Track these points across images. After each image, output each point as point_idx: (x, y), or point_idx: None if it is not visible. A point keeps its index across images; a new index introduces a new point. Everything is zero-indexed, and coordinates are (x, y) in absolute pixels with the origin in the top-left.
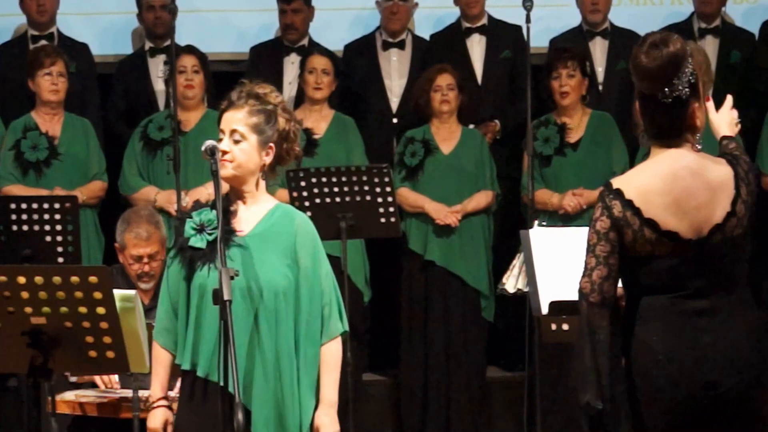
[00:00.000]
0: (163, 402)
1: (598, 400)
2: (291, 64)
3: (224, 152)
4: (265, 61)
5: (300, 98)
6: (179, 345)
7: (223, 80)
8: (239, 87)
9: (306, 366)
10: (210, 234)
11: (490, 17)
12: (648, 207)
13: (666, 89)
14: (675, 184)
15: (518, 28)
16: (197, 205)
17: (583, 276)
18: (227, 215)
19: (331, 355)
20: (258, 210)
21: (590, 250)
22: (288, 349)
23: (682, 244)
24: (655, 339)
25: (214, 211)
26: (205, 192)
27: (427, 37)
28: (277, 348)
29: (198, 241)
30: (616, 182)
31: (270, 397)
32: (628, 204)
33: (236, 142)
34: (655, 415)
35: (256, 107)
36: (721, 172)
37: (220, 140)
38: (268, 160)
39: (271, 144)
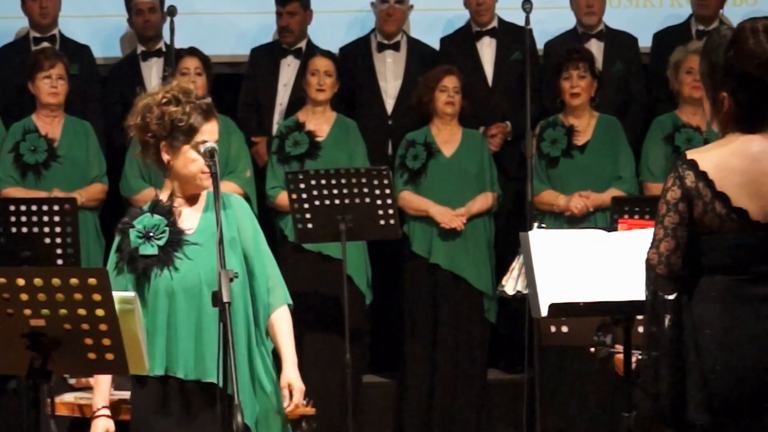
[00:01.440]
0: (106, 411)
1: (703, 412)
2: (287, 66)
3: (207, 169)
4: (263, 63)
5: (298, 100)
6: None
7: (222, 82)
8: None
9: (263, 336)
10: (159, 238)
11: (500, 20)
12: (722, 182)
13: None
14: (753, 165)
15: (528, 30)
16: (134, 213)
17: (651, 247)
18: (171, 216)
19: (284, 318)
20: (196, 203)
21: (659, 220)
22: (250, 329)
23: (750, 224)
24: (716, 320)
25: (156, 216)
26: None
27: (425, 39)
28: (245, 332)
29: (148, 249)
30: (691, 153)
31: (247, 381)
32: (702, 175)
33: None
34: (709, 396)
35: (216, 118)
36: None
37: (197, 152)
38: None
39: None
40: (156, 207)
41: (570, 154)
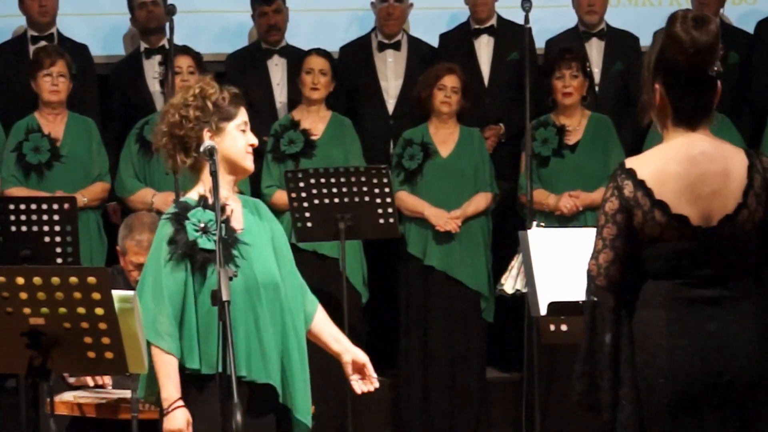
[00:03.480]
0: (181, 402)
1: (608, 410)
2: (275, 66)
3: (254, 145)
4: (247, 68)
5: (292, 99)
6: (191, 349)
7: (220, 80)
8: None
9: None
10: (215, 233)
11: (499, 18)
12: (661, 189)
13: (715, 62)
14: (691, 168)
15: (527, 29)
16: (184, 205)
17: (591, 258)
18: (224, 213)
19: (324, 313)
20: (236, 204)
21: (598, 232)
22: (302, 330)
23: (691, 230)
24: (660, 324)
25: (208, 211)
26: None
27: (426, 37)
28: (297, 334)
29: (206, 243)
30: (630, 162)
31: (305, 386)
32: (640, 184)
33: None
34: (655, 400)
35: None
36: (737, 160)
37: (243, 131)
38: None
39: None
40: (205, 203)
41: (561, 154)
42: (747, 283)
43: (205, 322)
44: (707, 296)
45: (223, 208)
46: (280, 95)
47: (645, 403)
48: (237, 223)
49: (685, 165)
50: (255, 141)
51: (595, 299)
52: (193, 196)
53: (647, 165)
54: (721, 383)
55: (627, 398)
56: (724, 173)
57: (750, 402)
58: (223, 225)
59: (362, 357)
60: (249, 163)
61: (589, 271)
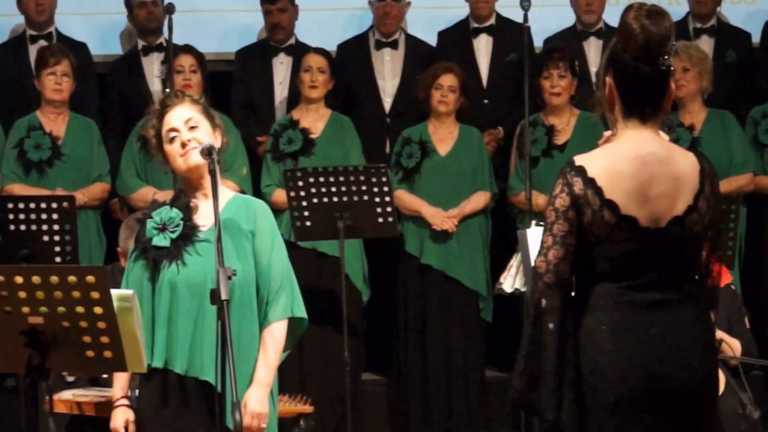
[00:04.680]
0: (124, 401)
1: (552, 410)
2: (280, 65)
3: (186, 143)
4: (253, 64)
5: (292, 98)
6: (145, 344)
7: (221, 80)
8: (171, 92)
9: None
10: (173, 231)
11: (498, 17)
12: (611, 188)
13: (665, 56)
14: (641, 168)
15: (526, 28)
16: (155, 205)
17: (539, 255)
18: (188, 211)
19: (271, 337)
20: (209, 202)
21: (547, 228)
22: (253, 332)
23: (638, 231)
24: (603, 329)
25: (175, 209)
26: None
27: (425, 36)
28: (248, 335)
29: (161, 240)
30: (579, 159)
31: (244, 385)
32: (590, 182)
33: (193, 128)
34: (600, 405)
35: (190, 99)
36: (687, 163)
37: (172, 140)
38: (218, 144)
39: (217, 128)
40: (176, 201)
41: (550, 154)
42: (691, 287)
43: (158, 317)
44: (652, 299)
45: (188, 205)
46: (281, 94)
47: (589, 406)
48: (204, 219)
49: (635, 164)
50: (183, 138)
51: (541, 298)
52: (169, 194)
53: (596, 163)
54: (665, 388)
55: (568, 400)
56: (673, 176)
57: (692, 406)
58: (182, 222)
59: (248, 407)
60: (189, 162)
61: (535, 268)
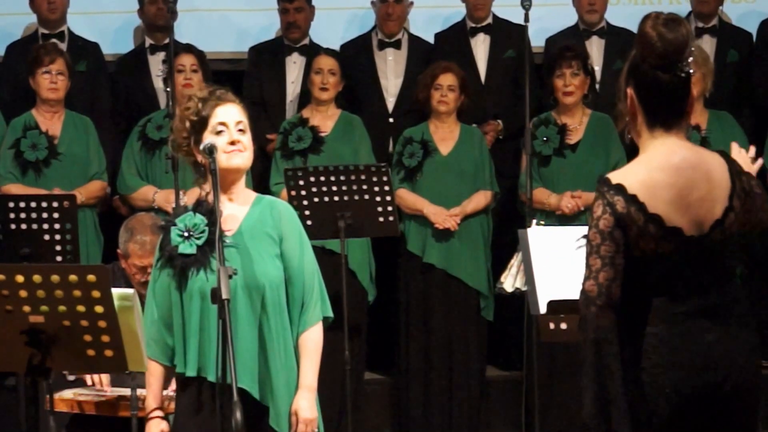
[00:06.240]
0: (158, 413)
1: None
2: (293, 64)
3: (236, 141)
4: (265, 61)
5: (304, 98)
6: (178, 352)
7: (223, 79)
8: (216, 86)
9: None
10: (198, 238)
11: (495, 17)
12: (653, 202)
13: (684, 63)
14: (677, 176)
15: (523, 27)
16: (179, 211)
17: (588, 279)
18: (214, 216)
19: (312, 341)
20: (242, 205)
21: (594, 250)
22: (288, 337)
23: (684, 241)
24: (660, 341)
25: (198, 215)
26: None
27: (423, 35)
28: (284, 339)
29: (187, 248)
30: (615, 177)
31: (286, 391)
32: (632, 199)
33: (241, 131)
34: (660, 415)
35: (242, 104)
36: (716, 164)
37: (219, 132)
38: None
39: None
40: (199, 206)
41: (562, 153)
42: (735, 287)
43: (189, 325)
44: (703, 306)
45: (212, 210)
46: (293, 93)
47: (652, 419)
48: (230, 223)
49: (669, 173)
50: (233, 137)
51: (598, 321)
52: (192, 197)
53: (633, 178)
54: (722, 393)
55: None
56: (707, 178)
57: (743, 408)
58: (207, 228)
59: (300, 415)
60: (231, 161)
61: (586, 292)
